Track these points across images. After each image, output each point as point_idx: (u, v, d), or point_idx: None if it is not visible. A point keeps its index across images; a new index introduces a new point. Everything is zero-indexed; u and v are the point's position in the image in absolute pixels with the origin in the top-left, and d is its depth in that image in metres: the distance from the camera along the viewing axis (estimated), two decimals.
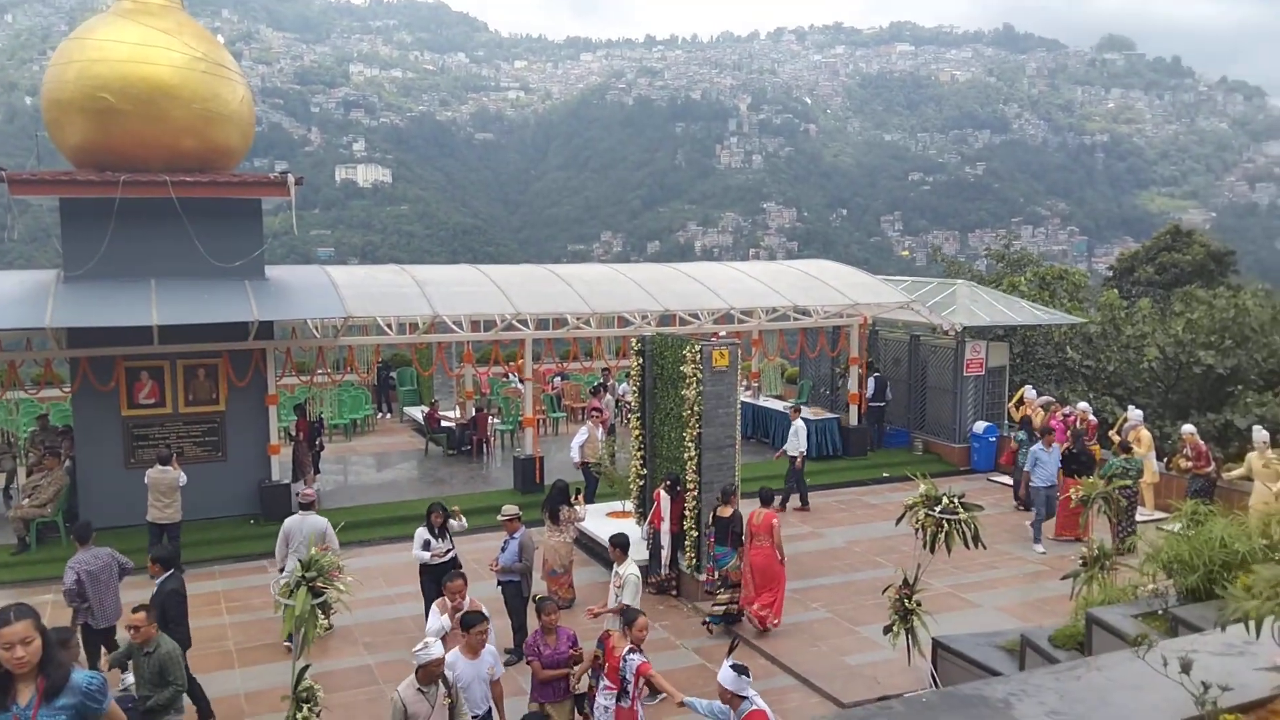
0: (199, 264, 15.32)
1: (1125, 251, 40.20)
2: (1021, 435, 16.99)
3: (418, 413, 22.54)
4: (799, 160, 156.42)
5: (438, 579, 10.09)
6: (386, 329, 17.47)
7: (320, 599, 8.25)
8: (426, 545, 11.03)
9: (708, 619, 11.63)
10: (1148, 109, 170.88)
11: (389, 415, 25.04)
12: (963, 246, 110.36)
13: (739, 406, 12.93)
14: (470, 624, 7.56)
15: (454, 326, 16.95)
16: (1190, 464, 15.00)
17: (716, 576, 11.68)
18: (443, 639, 7.77)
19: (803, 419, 16.95)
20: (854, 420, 19.95)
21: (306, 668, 8.31)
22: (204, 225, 15.53)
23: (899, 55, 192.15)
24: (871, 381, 20.41)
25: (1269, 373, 20.97)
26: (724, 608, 11.50)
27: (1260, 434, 14.06)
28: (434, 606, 8.85)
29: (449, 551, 11.16)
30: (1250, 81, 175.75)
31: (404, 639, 11.04)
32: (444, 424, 20.67)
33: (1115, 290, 27.27)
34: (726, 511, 11.58)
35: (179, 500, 13.36)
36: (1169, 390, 21.80)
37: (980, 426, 19.33)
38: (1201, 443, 15.27)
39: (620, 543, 10.18)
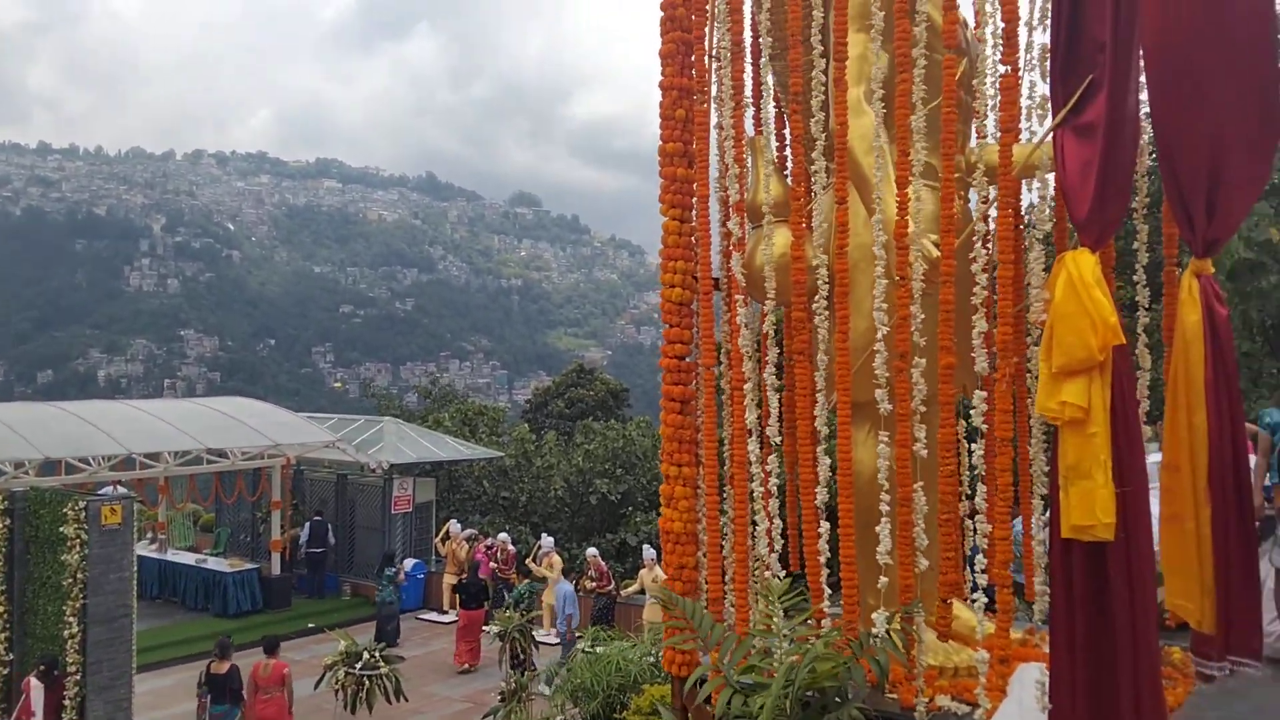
0: None
1: (539, 385, 44.26)
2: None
3: None
4: (221, 286, 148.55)
5: None
6: None
7: None
8: None
9: None
10: (554, 259, 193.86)
11: None
12: (395, 378, 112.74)
13: (135, 569, 11.37)
14: None
15: None
16: (595, 584, 16.46)
17: None
18: None
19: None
20: (276, 569, 18.72)
21: None
22: None
23: (327, 190, 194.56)
24: (307, 527, 19.44)
25: (653, 495, 24.21)
26: None
27: (649, 552, 15.93)
28: None
29: None
30: (633, 240, 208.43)
31: None
32: None
33: (527, 424, 29.63)
34: (223, 668, 10.73)
35: None
36: (575, 515, 24.02)
37: (409, 564, 19.32)
38: (603, 563, 16.88)
39: None
